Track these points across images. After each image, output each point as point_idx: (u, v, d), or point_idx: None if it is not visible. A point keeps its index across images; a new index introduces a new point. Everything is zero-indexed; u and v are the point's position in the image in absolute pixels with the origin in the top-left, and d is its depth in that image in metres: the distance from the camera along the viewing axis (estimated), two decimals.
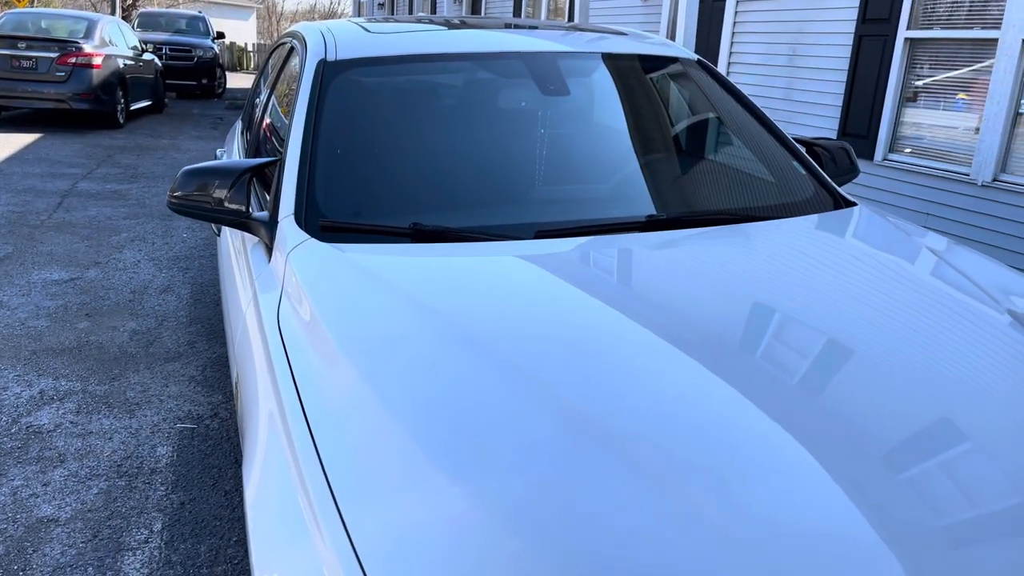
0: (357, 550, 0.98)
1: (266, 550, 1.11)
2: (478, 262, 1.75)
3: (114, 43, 11.70)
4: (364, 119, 2.23)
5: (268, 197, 2.15)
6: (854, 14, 6.04)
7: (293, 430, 1.26)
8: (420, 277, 1.65)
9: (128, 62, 11.84)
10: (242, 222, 2.08)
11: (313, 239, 1.83)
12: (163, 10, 20.35)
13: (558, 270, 1.70)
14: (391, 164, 2.15)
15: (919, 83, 5.71)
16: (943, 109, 5.52)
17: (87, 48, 10.74)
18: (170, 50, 16.09)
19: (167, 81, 15.01)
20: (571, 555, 0.94)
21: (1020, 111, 4.97)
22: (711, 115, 2.61)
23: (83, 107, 10.74)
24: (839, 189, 2.45)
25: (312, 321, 1.53)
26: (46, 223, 5.97)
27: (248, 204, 2.08)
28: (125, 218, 6.28)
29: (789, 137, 2.63)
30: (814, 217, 2.17)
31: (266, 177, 2.25)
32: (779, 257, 1.87)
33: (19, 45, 10.46)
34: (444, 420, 1.19)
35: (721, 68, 7.70)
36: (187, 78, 16.33)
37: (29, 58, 10.46)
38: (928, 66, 5.63)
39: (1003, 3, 4.98)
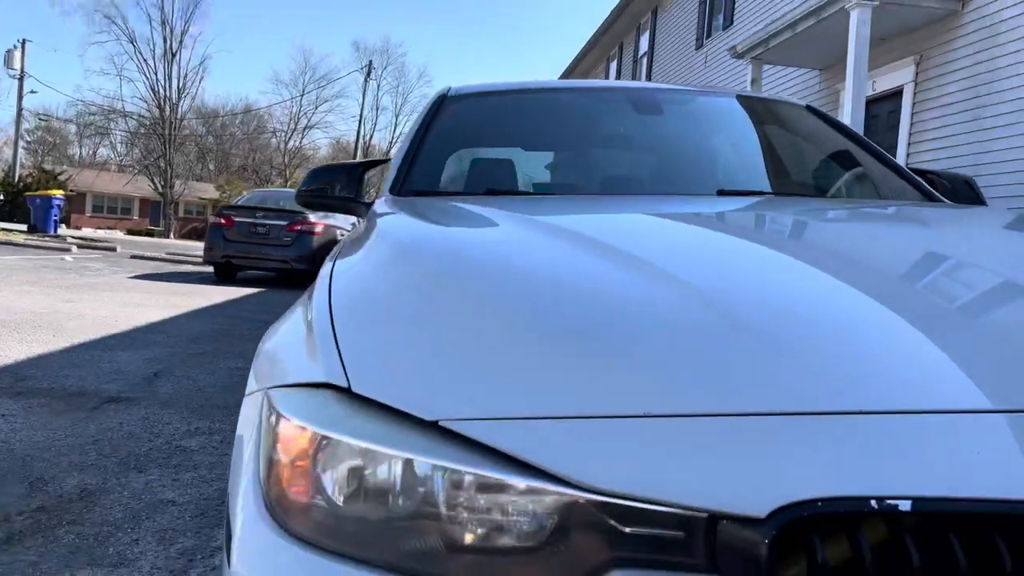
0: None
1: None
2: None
3: (334, 214, 13.36)
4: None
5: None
6: None
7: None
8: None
9: (344, 230, 13.40)
10: (350, 207, 2.36)
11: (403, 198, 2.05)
12: None
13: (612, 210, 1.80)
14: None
15: None
16: None
17: (311, 218, 12.33)
18: None
19: None
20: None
21: None
22: (810, 145, 2.63)
23: (302, 267, 12.17)
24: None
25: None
26: (244, 336, 6.72)
27: (358, 194, 2.37)
28: None
29: (902, 165, 2.57)
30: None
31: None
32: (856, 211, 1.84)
33: (258, 215, 12.24)
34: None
35: None
36: None
37: (264, 225, 12.15)
38: None
39: None
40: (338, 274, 1.32)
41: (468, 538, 0.83)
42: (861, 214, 1.79)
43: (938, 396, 0.84)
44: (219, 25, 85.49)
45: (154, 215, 49.00)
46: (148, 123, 45.67)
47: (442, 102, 2.62)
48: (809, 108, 2.84)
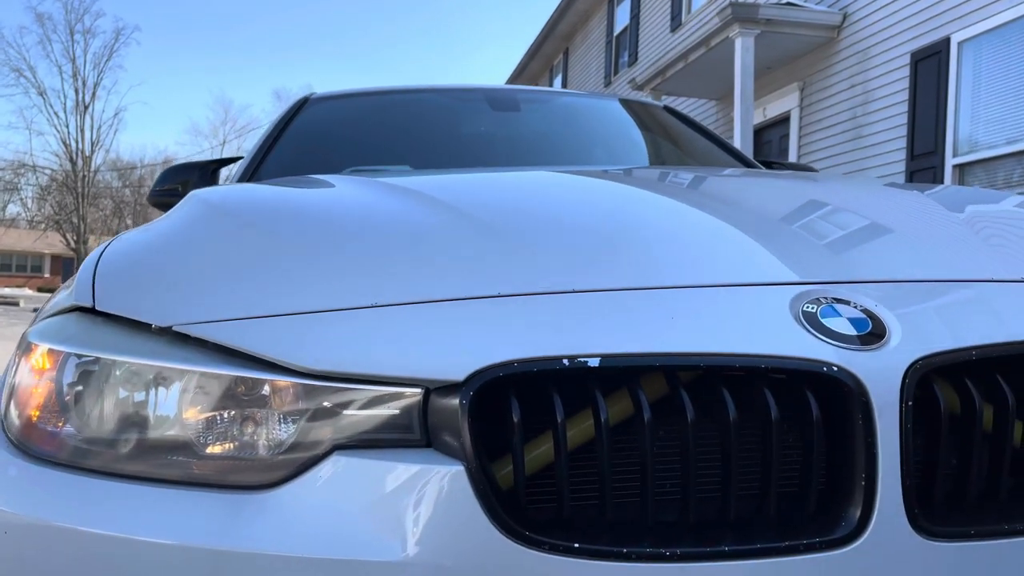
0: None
1: None
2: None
3: None
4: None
5: None
6: (903, 155, 6.12)
7: None
8: None
9: None
10: None
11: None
12: None
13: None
14: None
15: None
16: None
17: None
18: None
19: None
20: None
21: None
22: (663, 136, 2.74)
23: None
24: None
25: None
26: None
27: None
28: None
29: (748, 155, 2.70)
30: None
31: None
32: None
33: None
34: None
35: None
36: None
37: None
38: (984, 184, 5.56)
39: None
40: (122, 234, 1.32)
41: (194, 436, 0.83)
42: (684, 170, 1.86)
43: (633, 276, 0.90)
44: (135, 76, 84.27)
45: (67, 272, 47.33)
46: (60, 178, 44.28)
47: (304, 104, 2.63)
48: (667, 108, 2.96)
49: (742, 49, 7.20)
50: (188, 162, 2.50)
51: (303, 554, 0.75)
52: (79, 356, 0.88)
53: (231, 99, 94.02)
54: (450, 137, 2.48)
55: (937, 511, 0.78)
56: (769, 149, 8.31)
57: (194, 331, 0.86)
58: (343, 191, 1.35)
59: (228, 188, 1.56)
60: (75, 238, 42.58)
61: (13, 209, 51.03)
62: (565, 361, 0.76)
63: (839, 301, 0.84)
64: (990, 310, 0.85)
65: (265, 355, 0.82)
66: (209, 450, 0.82)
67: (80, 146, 43.32)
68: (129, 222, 53.15)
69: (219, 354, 0.84)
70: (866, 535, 0.74)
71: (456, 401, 0.76)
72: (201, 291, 0.93)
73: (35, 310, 15.92)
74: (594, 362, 0.76)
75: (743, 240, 1.00)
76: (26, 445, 0.88)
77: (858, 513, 0.75)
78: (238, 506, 0.79)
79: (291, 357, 0.81)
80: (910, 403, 0.75)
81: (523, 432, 0.76)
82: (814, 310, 0.83)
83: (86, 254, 41.28)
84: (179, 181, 2.39)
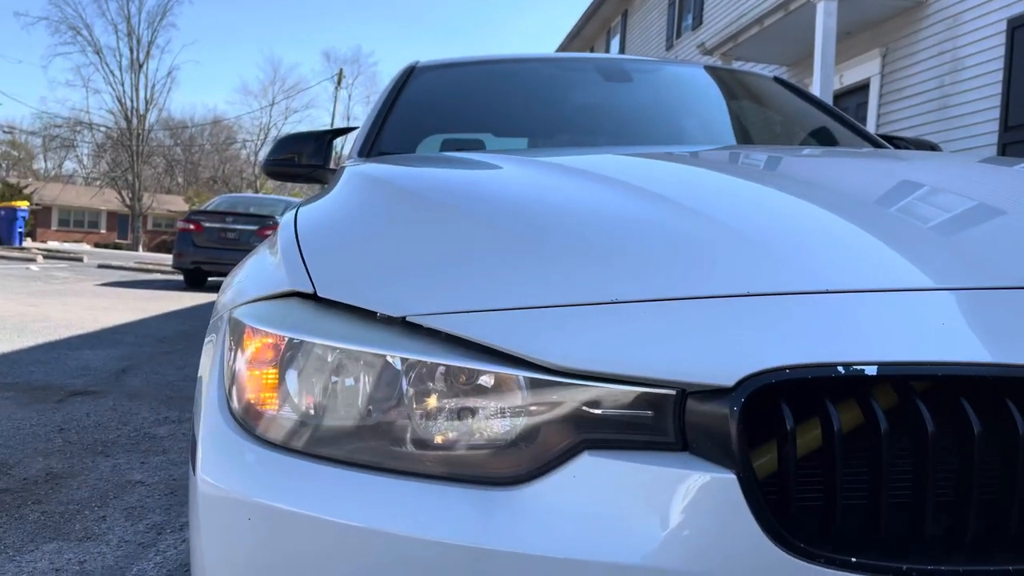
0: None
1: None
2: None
3: None
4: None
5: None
6: (995, 126, 5.88)
7: None
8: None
9: None
10: (317, 174, 2.34)
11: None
12: None
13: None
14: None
15: None
16: None
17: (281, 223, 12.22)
18: None
19: None
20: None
21: None
22: (778, 110, 2.65)
23: None
24: None
25: None
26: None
27: (326, 162, 2.34)
28: None
29: (867, 129, 2.60)
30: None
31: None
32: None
33: (227, 220, 12.10)
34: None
35: None
36: None
37: (234, 231, 12.01)
38: None
39: None
40: (303, 211, 1.30)
41: (439, 429, 0.81)
42: (823, 151, 1.81)
43: (895, 277, 0.85)
44: (187, 35, 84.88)
45: (122, 228, 48.37)
46: (115, 135, 45.08)
47: (411, 73, 2.60)
48: (777, 79, 2.87)
49: (824, 14, 6.96)
50: (302, 132, 2.49)
51: (563, 555, 0.73)
52: (305, 343, 0.87)
53: (280, 58, 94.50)
54: (565, 108, 2.43)
55: None
56: None
57: (429, 322, 0.84)
58: (524, 174, 1.31)
59: (398, 168, 1.53)
60: (130, 195, 43.43)
61: (70, 166, 52.21)
62: (840, 369, 0.73)
63: None
64: None
65: (509, 349, 0.79)
66: (448, 443, 0.81)
67: (135, 104, 43.97)
68: (180, 180, 53.99)
69: (452, 345, 0.82)
70: None
71: (720, 405, 0.73)
72: (428, 280, 0.91)
73: (100, 265, 16.26)
74: (871, 370, 0.73)
75: (977, 237, 0.95)
76: (254, 431, 0.88)
77: None
78: (491, 503, 0.77)
79: (537, 352, 0.78)
80: None
81: (795, 441, 0.73)
82: None
83: (140, 211, 42.01)
84: (294, 151, 2.39)
